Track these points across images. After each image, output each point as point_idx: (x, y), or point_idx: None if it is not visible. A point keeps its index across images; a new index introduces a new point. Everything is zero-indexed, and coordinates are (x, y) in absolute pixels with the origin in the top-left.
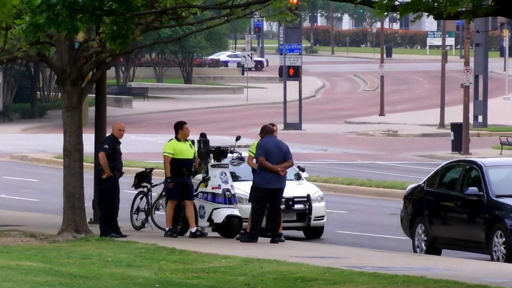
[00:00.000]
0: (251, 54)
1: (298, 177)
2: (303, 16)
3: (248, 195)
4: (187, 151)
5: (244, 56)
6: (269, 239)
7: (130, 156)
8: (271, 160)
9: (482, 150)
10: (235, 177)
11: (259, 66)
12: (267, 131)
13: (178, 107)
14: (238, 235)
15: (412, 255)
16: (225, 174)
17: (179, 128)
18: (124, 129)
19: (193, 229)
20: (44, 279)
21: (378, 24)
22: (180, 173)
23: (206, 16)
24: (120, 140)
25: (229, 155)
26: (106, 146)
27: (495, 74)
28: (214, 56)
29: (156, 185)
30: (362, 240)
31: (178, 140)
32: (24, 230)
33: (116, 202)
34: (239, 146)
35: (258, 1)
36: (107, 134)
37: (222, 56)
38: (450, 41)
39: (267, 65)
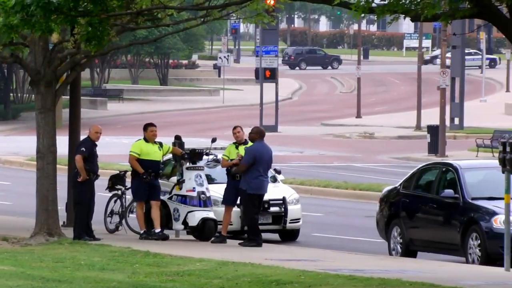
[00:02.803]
0: (228, 56)
1: (274, 179)
2: (280, 18)
3: (223, 197)
4: (155, 152)
5: (220, 58)
6: (239, 241)
7: (105, 158)
8: (260, 167)
9: (459, 152)
10: (210, 180)
11: (492, 63)
12: (261, 135)
13: (154, 109)
14: (213, 238)
15: (387, 258)
16: (200, 176)
17: (144, 129)
18: (101, 131)
19: (157, 230)
20: (16, 283)
21: (355, 26)
22: (146, 174)
23: (183, 17)
24: (96, 142)
25: (205, 157)
26: (83, 148)
27: (472, 77)
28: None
29: (130, 187)
30: (337, 243)
31: (146, 141)
32: None
33: (91, 205)
34: (215, 148)
35: (235, 3)
36: (82, 136)
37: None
38: (427, 43)
39: (500, 63)
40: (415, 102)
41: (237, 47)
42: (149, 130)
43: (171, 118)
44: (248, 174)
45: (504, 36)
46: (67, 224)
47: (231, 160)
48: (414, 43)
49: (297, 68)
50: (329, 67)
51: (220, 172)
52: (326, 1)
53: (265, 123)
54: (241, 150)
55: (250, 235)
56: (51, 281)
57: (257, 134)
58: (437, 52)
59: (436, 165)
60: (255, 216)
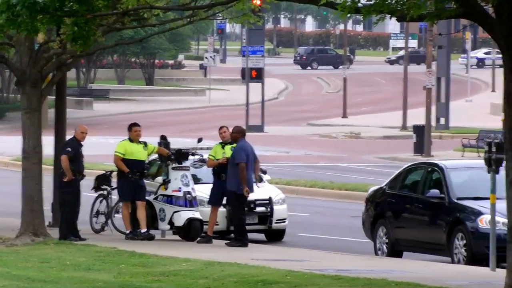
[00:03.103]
0: (214, 56)
1: (260, 179)
2: (266, 18)
3: (209, 197)
4: (139, 152)
5: (206, 58)
6: (225, 241)
7: (91, 158)
8: (249, 164)
9: (444, 152)
10: (196, 180)
11: None
12: (243, 134)
13: (140, 109)
14: (199, 238)
15: (373, 258)
16: (186, 176)
17: (128, 129)
18: (87, 131)
19: (143, 230)
20: (2, 284)
21: (342, 26)
22: (131, 173)
23: (169, 17)
24: (82, 142)
25: (191, 157)
26: (69, 149)
27: (457, 77)
28: None
29: (116, 188)
30: (323, 243)
31: (131, 141)
32: None
33: (77, 205)
34: (201, 148)
35: (221, 3)
36: (67, 137)
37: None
38: (413, 43)
39: None
40: (401, 102)
41: (223, 47)
42: (133, 130)
43: (157, 118)
44: (236, 174)
45: (489, 36)
46: (52, 224)
47: (217, 160)
48: (400, 43)
49: (309, 68)
50: (341, 67)
51: (206, 172)
52: (312, 1)
53: (251, 123)
54: (227, 150)
55: (236, 235)
56: (36, 281)
57: (239, 134)
58: (402, 52)
59: (421, 165)
60: (243, 216)
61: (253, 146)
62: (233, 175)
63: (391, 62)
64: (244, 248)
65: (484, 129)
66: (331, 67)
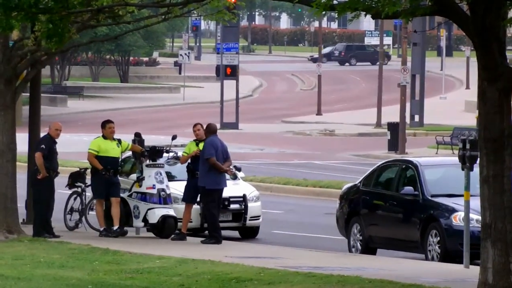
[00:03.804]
0: (189, 53)
1: (234, 177)
2: (241, 15)
3: (183, 195)
4: (113, 149)
5: (181, 55)
6: (199, 239)
7: (65, 156)
8: (218, 160)
9: (418, 150)
10: (170, 177)
11: None
12: (212, 130)
13: (114, 106)
14: (173, 236)
15: (347, 255)
16: (160, 174)
17: (102, 127)
18: (61, 129)
19: (115, 227)
20: None
21: (316, 23)
22: (105, 170)
23: (143, 14)
24: (56, 140)
25: (165, 154)
26: (43, 146)
27: (432, 74)
28: None
29: (90, 185)
30: (297, 240)
31: (105, 138)
32: None
33: (51, 203)
34: (175, 146)
35: (195, 0)
36: (41, 134)
37: None
38: (388, 40)
39: None
40: (376, 100)
41: (198, 44)
42: (107, 127)
43: (131, 116)
44: (205, 170)
45: (464, 34)
46: (26, 221)
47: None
48: (375, 41)
49: (347, 64)
50: (378, 63)
51: (180, 170)
52: None
53: (226, 121)
54: (201, 147)
55: (210, 231)
56: (10, 278)
57: (206, 131)
58: (327, 50)
59: (396, 162)
60: (215, 211)
61: (227, 144)
62: (203, 171)
63: (314, 60)
64: (218, 246)
65: (458, 126)
66: (369, 63)
